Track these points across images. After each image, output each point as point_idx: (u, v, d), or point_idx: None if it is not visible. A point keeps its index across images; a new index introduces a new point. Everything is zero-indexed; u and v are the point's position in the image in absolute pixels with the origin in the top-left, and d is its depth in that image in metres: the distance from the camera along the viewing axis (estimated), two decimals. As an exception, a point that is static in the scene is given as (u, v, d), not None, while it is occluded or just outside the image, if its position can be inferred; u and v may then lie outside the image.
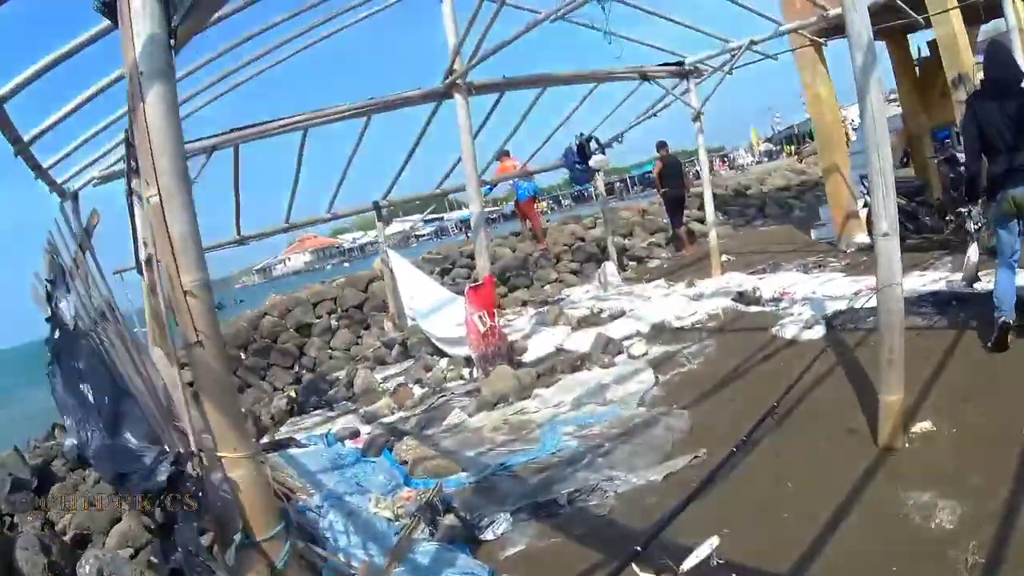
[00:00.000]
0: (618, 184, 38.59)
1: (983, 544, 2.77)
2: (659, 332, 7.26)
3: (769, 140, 42.54)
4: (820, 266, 8.53)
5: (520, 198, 12.83)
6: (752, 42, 8.31)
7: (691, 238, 12.50)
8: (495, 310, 6.97)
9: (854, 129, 15.70)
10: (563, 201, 39.21)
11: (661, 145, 11.99)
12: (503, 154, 11.41)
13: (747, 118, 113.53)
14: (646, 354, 6.65)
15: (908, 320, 5.30)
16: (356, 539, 3.82)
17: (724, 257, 10.04)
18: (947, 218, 7.41)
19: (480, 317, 6.75)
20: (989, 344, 4.56)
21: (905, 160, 11.85)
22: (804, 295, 7.10)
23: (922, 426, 3.89)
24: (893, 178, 3.59)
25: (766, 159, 34.73)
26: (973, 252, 5.62)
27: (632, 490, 4.02)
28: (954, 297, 5.71)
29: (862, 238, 8.73)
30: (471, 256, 11.20)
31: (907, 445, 3.78)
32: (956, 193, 7.01)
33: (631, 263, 12.22)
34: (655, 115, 9.85)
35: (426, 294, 9.12)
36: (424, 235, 38.73)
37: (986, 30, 9.38)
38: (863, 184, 8.13)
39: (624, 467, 4.29)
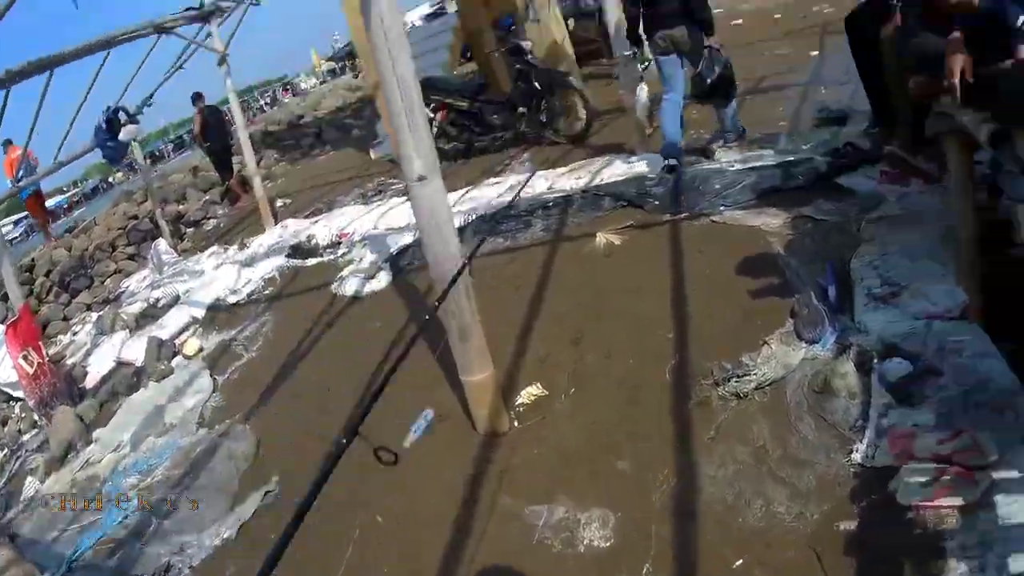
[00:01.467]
0: (163, 146, 35.23)
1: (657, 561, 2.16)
2: (214, 316, 6.09)
3: (331, 59, 41.31)
4: (380, 191, 7.79)
5: (22, 196, 10.50)
6: (273, -37, 7.07)
7: (244, 187, 11.12)
8: (39, 342, 5.83)
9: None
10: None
11: (197, 97, 10.92)
12: (5, 144, 10.04)
13: (311, 39, 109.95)
14: (201, 351, 5.54)
15: (491, 243, 4.93)
16: None
17: (280, 203, 9.21)
18: (519, 111, 7.05)
19: (26, 357, 5.59)
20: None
21: (467, 55, 11.73)
22: (364, 234, 6.34)
23: (530, 392, 3.28)
24: (422, 104, 2.81)
25: (330, 79, 33.63)
26: (641, 92, 5.51)
27: (208, 559, 3.22)
28: (541, 204, 5.30)
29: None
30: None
31: (516, 424, 3.13)
32: (524, 84, 6.83)
33: (188, 230, 10.83)
34: (182, 67, 8.54)
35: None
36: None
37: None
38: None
39: (193, 527, 3.50)
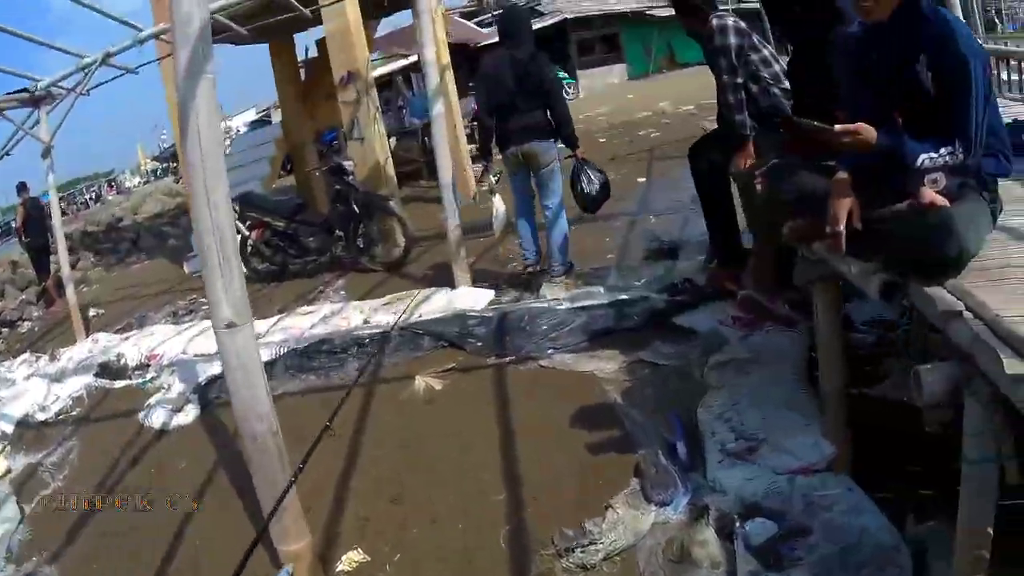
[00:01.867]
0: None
1: None
2: (22, 434, 5.18)
3: (156, 158, 39.09)
4: (192, 311, 6.96)
5: None
6: (108, 55, 6.42)
7: (60, 290, 9.87)
8: None
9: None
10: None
11: (21, 188, 10.41)
12: None
13: (137, 135, 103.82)
14: (9, 472, 4.70)
15: (298, 381, 4.38)
16: None
17: (93, 312, 8.24)
18: (336, 234, 6.46)
19: None
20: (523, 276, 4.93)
21: (288, 168, 11.21)
22: (173, 358, 5.52)
23: (351, 558, 2.86)
24: (236, 242, 2.60)
25: (153, 178, 31.69)
26: (498, 203, 5.11)
27: None
28: (356, 341, 4.72)
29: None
30: None
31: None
32: (343, 207, 6.33)
33: (4, 330, 9.80)
34: (8, 154, 7.49)
35: None
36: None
37: (389, 22, 9.08)
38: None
39: None
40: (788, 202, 2.45)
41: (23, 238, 10.33)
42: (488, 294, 4.86)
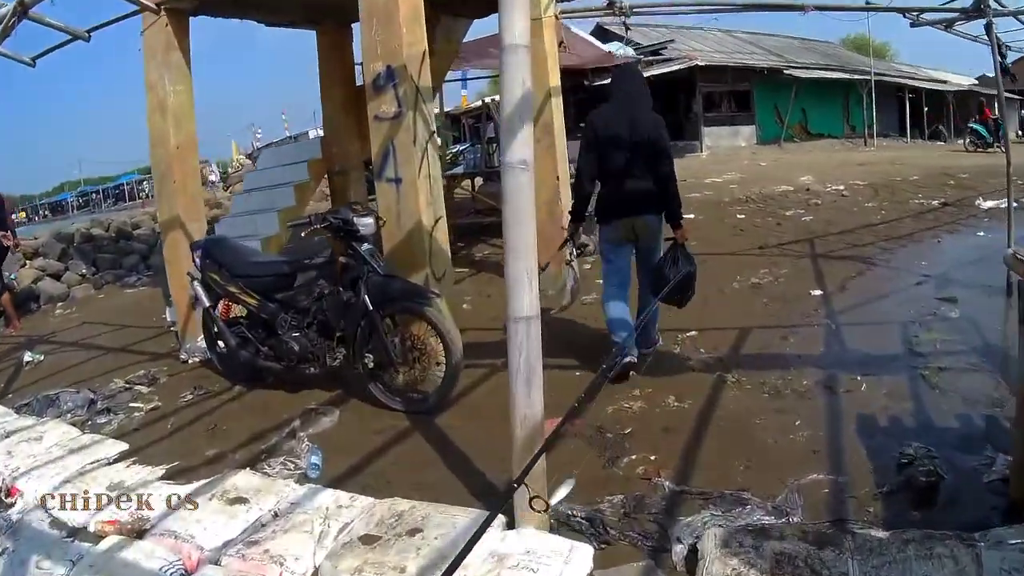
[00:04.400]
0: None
1: None
2: None
3: (249, 156, 38.50)
4: (110, 410, 4.43)
5: None
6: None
7: (18, 310, 8.14)
8: None
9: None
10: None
11: None
12: None
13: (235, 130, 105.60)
14: None
15: None
16: None
17: (29, 357, 6.02)
18: (335, 334, 3.88)
19: None
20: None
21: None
22: (36, 493, 3.18)
23: None
24: None
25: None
26: (571, 277, 4.29)
27: None
28: None
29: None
30: None
31: None
32: (348, 295, 3.86)
33: None
34: None
35: None
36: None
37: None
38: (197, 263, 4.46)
39: None
40: None
41: None
42: (582, 553, 2.24)
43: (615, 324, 3.96)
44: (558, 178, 5.65)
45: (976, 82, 27.07)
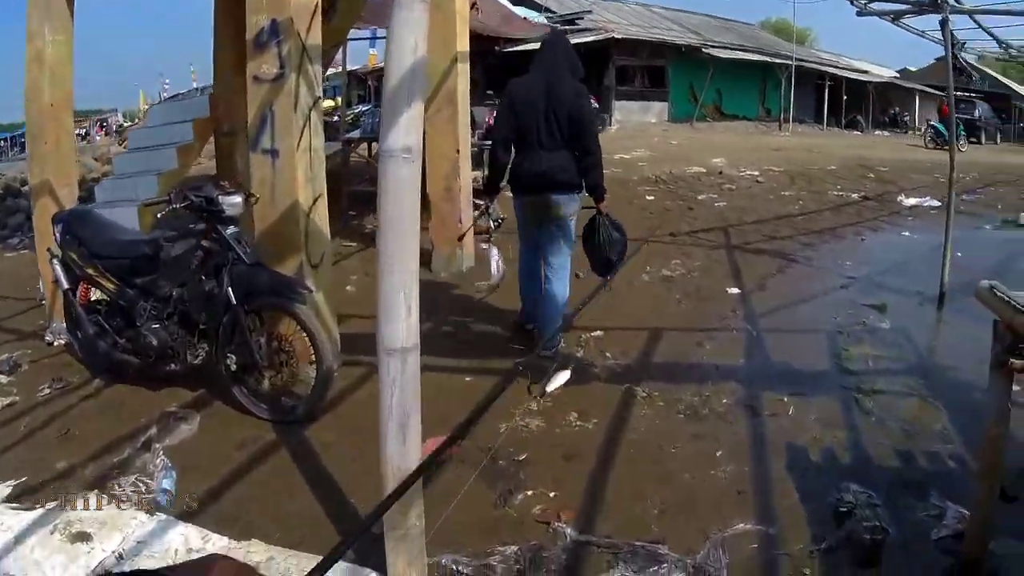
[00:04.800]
0: None
1: None
2: None
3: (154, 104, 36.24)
4: None
5: None
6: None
7: None
8: None
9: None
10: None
11: None
12: None
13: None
14: None
15: None
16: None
17: None
18: (197, 325, 3.42)
19: None
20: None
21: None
22: None
23: None
24: None
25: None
26: (495, 256, 4.18)
27: None
28: None
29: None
30: None
31: None
32: (209, 284, 3.36)
33: None
34: None
35: None
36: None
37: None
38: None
39: None
40: None
41: None
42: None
43: (523, 290, 4.12)
44: (458, 151, 5.23)
45: (897, 75, 28.03)
